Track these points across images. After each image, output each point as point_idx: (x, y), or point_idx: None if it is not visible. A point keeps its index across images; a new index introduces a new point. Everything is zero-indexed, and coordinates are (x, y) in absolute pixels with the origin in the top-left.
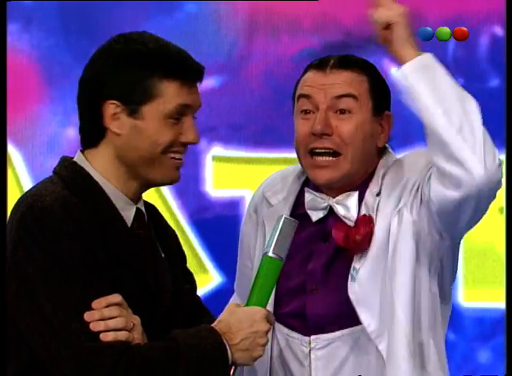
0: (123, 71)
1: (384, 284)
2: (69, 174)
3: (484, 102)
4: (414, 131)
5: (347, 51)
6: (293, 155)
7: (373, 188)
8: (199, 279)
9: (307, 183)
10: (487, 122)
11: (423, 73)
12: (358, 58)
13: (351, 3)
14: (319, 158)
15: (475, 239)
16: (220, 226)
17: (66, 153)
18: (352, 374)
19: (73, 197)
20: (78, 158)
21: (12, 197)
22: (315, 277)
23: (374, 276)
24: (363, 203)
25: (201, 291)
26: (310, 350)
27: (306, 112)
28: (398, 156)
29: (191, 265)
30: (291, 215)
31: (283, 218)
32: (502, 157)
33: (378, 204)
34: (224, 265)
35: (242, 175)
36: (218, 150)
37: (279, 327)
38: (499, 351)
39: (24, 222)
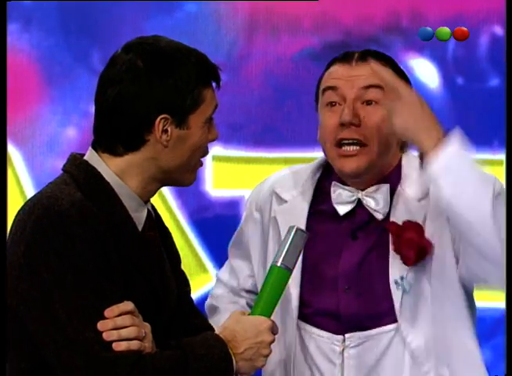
0: (173, 84)
1: (434, 299)
2: (81, 174)
3: (484, 101)
4: None
5: (347, 50)
6: (293, 155)
7: (409, 189)
8: (199, 278)
9: (324, 179)
10: (487, 122)
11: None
12: (379, 52)
13: (351, 3)
14: (347, 148)
15: None
16: (220, 226)
17: (65, 153)
18: (386, 373)
19: (87, 199)
20: (91, 157)
21: (12, 197)
22: (348, 276)
23: (424, 288)
24: (402, 204)
25: (201, 291)
26: (343, 348)
27: (332, 104)
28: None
29: (191, 264)
30: (311, 210)
31: (294, 229)
32: (503, 157)
33: (427, 214)
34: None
35: (242, 175)
36: (217, 149)
37: (304, 326)
38: (499, 351)
39: (41, 225)
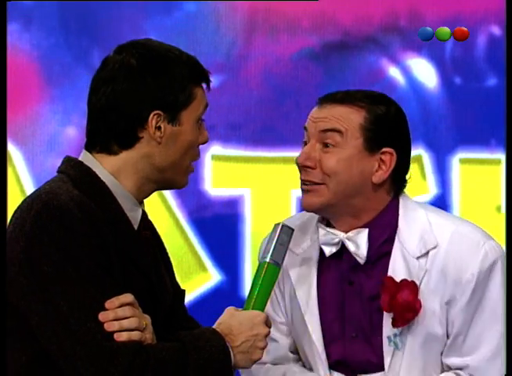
0: (166, 81)
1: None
2: (76, 173)
3: (481, 101)
4: (412, 130)
5: (345, 50)
6: (292, 154)
7: (407, 244)
8: (198, 277)
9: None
10: (484, 121)
11: None
12: (368, 93)
13: (349, 3)
14: (303, 186)
15: None
16: (219, 225)
17: (66, 152)
18: None
19: (84, 196)
20: (85, 158)
21: (13, 196)
22: (354, 324)
23: (416, 348)
24: (402, 260)
25: (200, 290)
26: None
27: (305, 143)
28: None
29: (190, 263)
30: (320, 259)
31: (280, 226)
32: (500, 156)
33: (425, 274)
34: (223, 264)
35: (241, 174)
36: (217, 149)
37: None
38: None
39: (41, 219)
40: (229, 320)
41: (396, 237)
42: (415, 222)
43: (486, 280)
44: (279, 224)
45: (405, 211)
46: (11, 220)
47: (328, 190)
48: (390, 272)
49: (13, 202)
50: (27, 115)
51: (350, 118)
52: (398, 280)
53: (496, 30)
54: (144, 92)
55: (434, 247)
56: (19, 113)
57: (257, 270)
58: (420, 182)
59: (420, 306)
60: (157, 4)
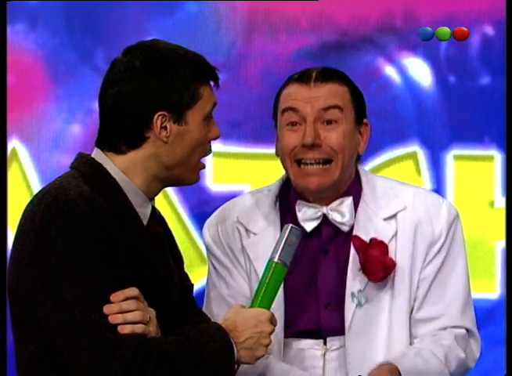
0: (169, 81)
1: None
2: (87, 169)
3: (475, 99)
4: (408, 128)
5: (342, 50)
6: None
7: (373, 205)
8: (199, 271)
9: (286, 201)
10: (478, 119)
11: None
12: (336, 70)
13: (346, 3)
14: (309, 167)
15: (466, 232)
16: None
17: (70, 149)
18: (365, 374)
19: (94, 192)
20: (97, 155)
21: (19, 191)
22: (327, 293)
23: (378, 305)
24: (368, 221)
25: (202, 283)
26: (325, 352)
27: (293, 124)
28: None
29: (192, 257)
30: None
31: (289, 228)
32: (493, 152)
33: (394, 235)
34: None
35: (241, 170)
36: (217, 145)
37: (287, 341)
38: (489, 341)
39: (49, 213)
40: (235, 317)
41: (361, 200)
42: (376, 186)
43: (452, 234)
44: (288, 225)
45: (366, 177)
46: (23, 214)
47: (336, 167)
48: (355, 232)
49: (19, 197)
50: (33, 113)
51: (343, 94)
52: (366, 240)
53: (490, 30)
54: (148, 93)
55: (403, 209)
56: (26, 111)
57: (265, 269)
58: (415, 178)
59: (394, 264)
60: (159, 4)
